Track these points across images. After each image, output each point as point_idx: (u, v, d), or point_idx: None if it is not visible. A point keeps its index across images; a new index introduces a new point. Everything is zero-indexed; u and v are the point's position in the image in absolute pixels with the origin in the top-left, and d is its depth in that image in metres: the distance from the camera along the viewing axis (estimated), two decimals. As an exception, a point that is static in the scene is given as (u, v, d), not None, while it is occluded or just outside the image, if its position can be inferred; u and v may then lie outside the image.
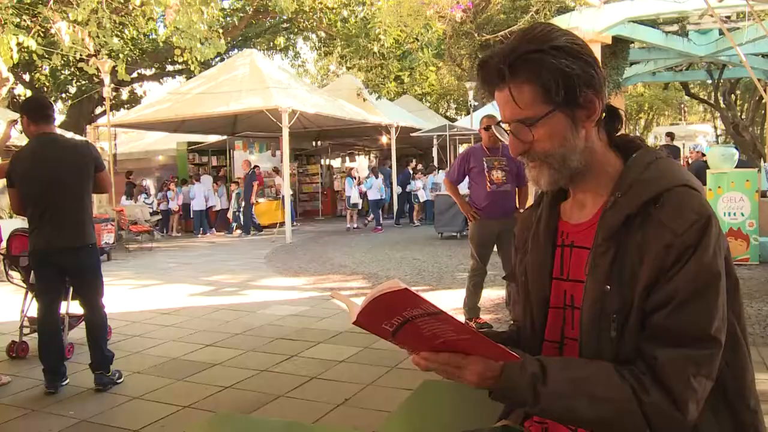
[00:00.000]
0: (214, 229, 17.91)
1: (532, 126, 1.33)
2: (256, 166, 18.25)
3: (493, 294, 7.36)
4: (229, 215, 17.54)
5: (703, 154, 12.52)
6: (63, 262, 4.53)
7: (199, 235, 17.25)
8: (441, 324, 1.21)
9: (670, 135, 16.44)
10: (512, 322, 1.70)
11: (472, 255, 6.06)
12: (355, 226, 17.28)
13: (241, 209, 17.12)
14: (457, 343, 1.27)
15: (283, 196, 16.10)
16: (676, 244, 1.23)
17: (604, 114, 1.38)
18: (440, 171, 19.18)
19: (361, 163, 25.51)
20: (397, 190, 18.94)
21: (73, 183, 4.48)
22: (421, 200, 18.05)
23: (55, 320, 4.67)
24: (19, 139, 4.65)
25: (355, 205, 17.58)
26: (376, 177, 17.10)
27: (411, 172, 19.08)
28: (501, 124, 1.41)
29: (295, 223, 17.87)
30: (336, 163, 25.94)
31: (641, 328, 1.27)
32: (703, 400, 1.23)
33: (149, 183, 18.87)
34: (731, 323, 1.31)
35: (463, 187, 6.38)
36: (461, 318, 6.49)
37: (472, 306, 6.12)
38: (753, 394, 1.36)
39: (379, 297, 1.14)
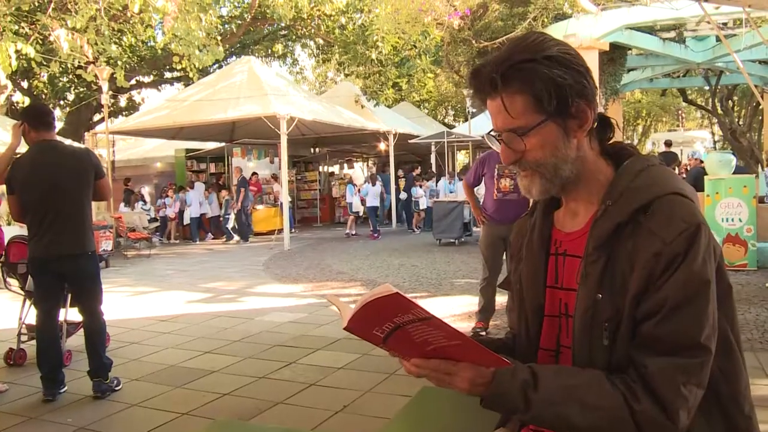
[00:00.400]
0: (210, 234, 17.92)
1: (524, 135, 1.33)
2: (254, 173, 18.27)
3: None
4: (230, 223, 17.54)
5: (701, 161, 12.55)
6: (62, 269, 4.52)
7: (197, 241, 17.30)
8: (432, 330, 1.21)
9: (668, 143, 16.50)
10: (509, 329, 1.70)
11: (482, 260, 6.19)
12: (353, 232, 17.29)
13: (228, 216, 17.16)
14: (448, 350, 1.26)
15: (281, 203, 16.09)
16: (665, 253, 1.23)
17: (595, 123, 1.38)
18: (441, 178, 19.15)
19: (357, 171, 25.58)
20: (403, 195, 18.86)
21: (72, 190, 4.48)
22: (422, 207, 18.01)
23: (54, 327, 4.66)
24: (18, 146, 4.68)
25: (356, 212, 17.57)
26: (373, 184, 17.08)
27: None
28: (492, 132, 1.41)
29: (293, 230, 17.87)
30: (335, 169, 25.94)
31: (633, 336, 1.27)
32: (695, 408, 1.23)
33: (145, 191, 18.84)
34: (724, 329, 1.31)
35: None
36: (459, 324, 6.50)
37: (479, 310, 6.19)
38: (747, 399, 1.36)
39: (371, 302, 1.14)
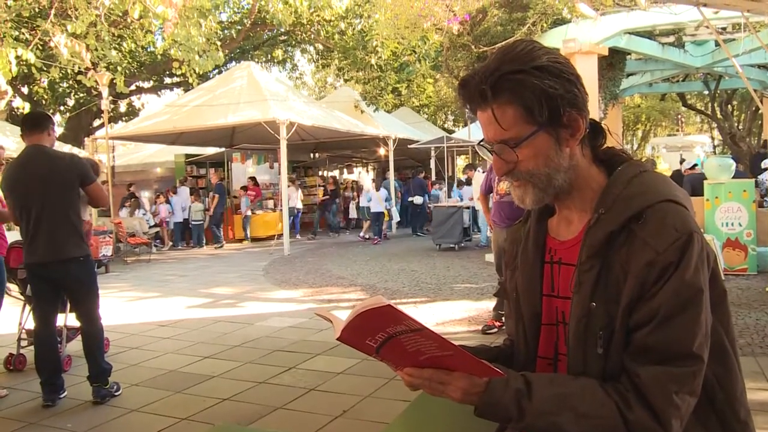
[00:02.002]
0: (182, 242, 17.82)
1: (516, 147, 1.33)
2: (250, 178, 18.24)
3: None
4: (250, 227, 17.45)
5: (695, 165, 12.53)
6: (55, 275, 4.51)
7: (180, 247, 17.26)
8: (424, 340, 1.22)
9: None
10: (507, 336, 1.70)
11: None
12: (363, 235, 17.34)
13: (196, 222, 17.17)
14: (442, 359, 1.27)
15: (282, 209, 16.09)
16: (658, 262, 1.22)
17: (587, 130, 1.37)
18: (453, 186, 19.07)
19: (365, 177, 25.53)
20: (418, 200, 18.77)
21: (52, 194, 4.44)
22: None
23: (51, 333, 4.65)
24: (17, 151, 4.72)
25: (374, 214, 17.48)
26: (377, 190, 17.08)
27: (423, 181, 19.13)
28: (483, 143, 1.40)
29: (298, 236, 17.85)
30: (335, 174, 25.93)
31: (627, 345, 1.27)
32: (687, 416, 1.23)
33: (144, 196, 18.76)
34: (719, 334, 1.31)
35: None
36: (458, 328, 6.51)
37: (493, 308, 6.56)
38: (743, 405, 1.36)
39: (363, 313, 1.15)
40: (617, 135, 12.46)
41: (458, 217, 13.86)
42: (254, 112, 15.05)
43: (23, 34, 13.94)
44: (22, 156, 4.55)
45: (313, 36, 23.50)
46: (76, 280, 4.59)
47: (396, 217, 18.65)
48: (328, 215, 19.45)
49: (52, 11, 10.03)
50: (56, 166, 4.48)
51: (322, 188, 19.20)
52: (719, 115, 22.21)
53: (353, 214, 20.47)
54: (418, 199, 18.65)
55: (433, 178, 20.63)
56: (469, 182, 15.71)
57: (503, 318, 6.19)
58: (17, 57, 8.56)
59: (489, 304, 7.24)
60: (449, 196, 16.77)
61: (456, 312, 7.34)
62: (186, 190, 17.67)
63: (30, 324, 5.10)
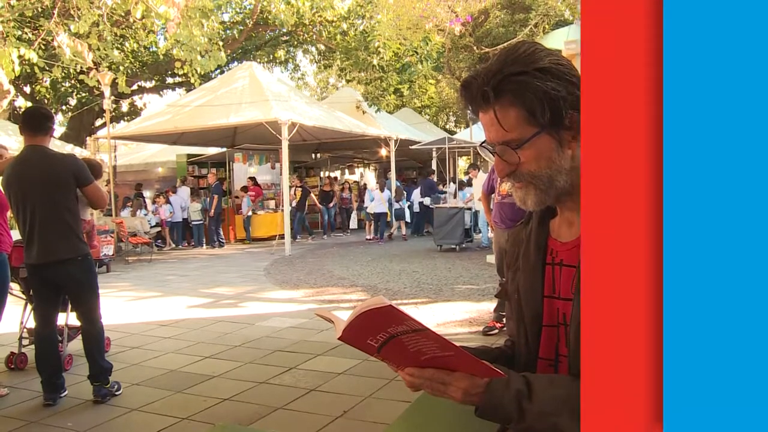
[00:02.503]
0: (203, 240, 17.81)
1: (518, 148, 1.33)
2: (250, 178, 18.24)
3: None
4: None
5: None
6: (53, 275, 4.51)
7: (182, 246, 17.28)
8: (425, 340, 1.22)
9: None
10: (508, 337, 1.70)
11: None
12: (368, 237, 17.35)
13: (196, 223, 17.18)
14: (443, 360, 1.27)
15: (282, 209, 16.12)
16: None
17: None
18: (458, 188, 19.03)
19: (370, 177, 25.44)
20: (427, 201, 18.73)
21: (52, 195, 4.43)
22: None
23: (52, 332, 4.64)
24: (18, 150, 4.74)
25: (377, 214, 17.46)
26: (382, 191, 17.08)
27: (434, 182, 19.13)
28: (485, 144, 1.41)
29: (298, 236, 17.83)
30: (337, 175, 25.95)
31: None
32: None
33: (147, 196, 18.76)
34: None
35: None
36: (459, 330, 6.52)
37: (494, 309, 6.61)
38: None
39: (364, 314, 1.16)
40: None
41: (459, 218, 13.86)
42: (256, 113, 15.06)
43: (26, 33, 13.96)
44: (20, 156, 4.54)
45: (315, 36, 23.53)
46: (75, 280, 4.58)
47: (407, 217, 18.58)
48: (301, 216, 19.26)
49: (55, 11, 10.06)
50: (53, 167, 4.47)
51: (300, 189, 18.37)
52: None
53: (354, 224, 20.32)
54: (428, 200, 18.62)
55: (434, 179, 20.62)
56: (470, 183, 15.71)
57: (504, 319, 6.20)
58: (20, 56, 8.59)
59: (490, 306, 7.24)
60: (454, 197, 16.74)
61: (457, 313, 7.34)
62: (186, 189, 17.65)
63: (31, 323, 5.11)
